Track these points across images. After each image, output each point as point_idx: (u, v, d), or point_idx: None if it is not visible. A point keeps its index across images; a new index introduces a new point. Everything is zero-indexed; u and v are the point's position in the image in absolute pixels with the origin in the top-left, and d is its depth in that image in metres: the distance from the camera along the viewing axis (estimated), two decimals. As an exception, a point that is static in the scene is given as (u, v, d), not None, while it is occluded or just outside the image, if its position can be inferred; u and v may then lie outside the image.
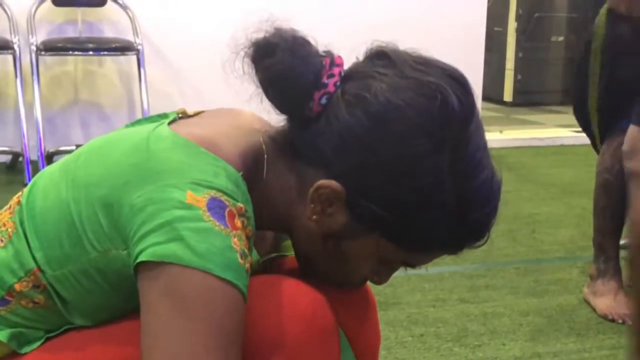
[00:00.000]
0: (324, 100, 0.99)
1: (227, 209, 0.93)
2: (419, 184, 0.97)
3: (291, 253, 1.21)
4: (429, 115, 0.96)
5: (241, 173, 0.99)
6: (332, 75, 0.99)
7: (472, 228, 1.02)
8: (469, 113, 0.99)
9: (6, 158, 4.25)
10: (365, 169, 0.98)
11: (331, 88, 0.99)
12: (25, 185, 1.06)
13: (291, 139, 1.03)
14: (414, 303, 2.49)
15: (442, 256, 1.06)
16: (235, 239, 0.92)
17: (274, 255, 1.22)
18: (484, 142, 1.01)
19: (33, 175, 1.16)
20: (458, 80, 0.99)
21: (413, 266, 1.07)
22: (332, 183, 0.98)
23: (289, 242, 1.21)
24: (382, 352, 2.07)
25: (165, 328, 0.89)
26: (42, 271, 0.99)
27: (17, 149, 4.07)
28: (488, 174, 1.00)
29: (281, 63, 0.98)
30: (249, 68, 1.00)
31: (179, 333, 0.88)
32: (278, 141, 1.04)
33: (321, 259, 1.06)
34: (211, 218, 0.91)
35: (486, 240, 1.04)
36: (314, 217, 1.01)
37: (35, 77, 3.93)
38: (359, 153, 0.98)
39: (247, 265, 0.94)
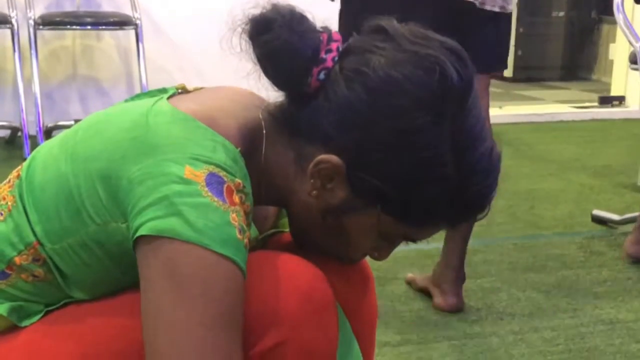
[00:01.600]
0: (322, 76, 0.99)
1: (226, 185, 0.93)
2: (418, 156, 0.97)
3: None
4: (427, 88, 0.96)
5: (239, 149, 0.99)
6: (330, 51, 0.99)
7: (472, 200, 1.02)
8: (467, 86, 0.99)
9: (5, 133, 4.25)
10: (364, 143, 0.98)
11: (329, 63, 0.99)
12: (25, 160, 1.06)
13: (289, 115, 1.03)
14: (412, 278, 2.50)
15: (442, 229, 1.06)
16: (234, 215, 0.92)
17: (272, 231, 1.22)
18: (483, 116, 1.02)
19: (32, 150, 1.16)
20: (456, 53, 0.99)
21: (414, 240, 1.07)
22: (332, 158, 0.98)
23: (286, 220, 1.22)
24: (380, 327, 2.08)
25: (163, 304, 0.89)
26: (41, 244, 1.00)
27: (16, 124, 4.07)
28: (487, 146, 1.01)
29: (278, 39, 0.98)
30: (246, 44, 1.00)
31: (177, 309, 0.89)
32: (277, 117, 1.04)
33: (320, 235, 1.06)
34: (209, 193, 0.91)
35: (487, 213, 1.04)
36: (314, 192, 1.01)
37: (33, 51, 3.92)
38: (358, 127, 0.98)
39: (246, 240, 0.94)
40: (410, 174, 0.98)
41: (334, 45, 1.00)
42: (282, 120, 1.03)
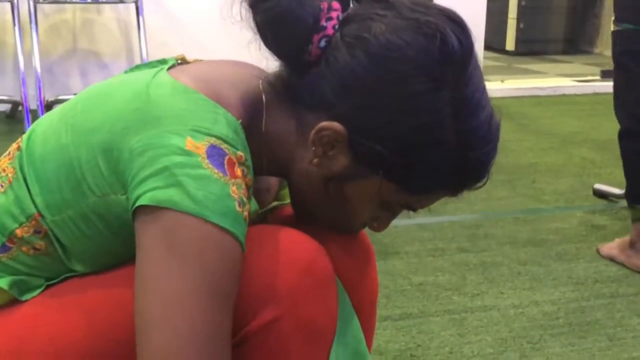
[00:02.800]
0: (322, 44, 0.99)
1: (227, 157, 0.93)
2: (419, 122, 0.97)
3: (289, 200, 1.21)
4: (428, 54, 0.96)
5: (240, 120, 0.98)
6: (330, 19, 0.99)
7: (472, 168, 1.02)
8: (467, 53, 0.99)
9: (6, 107, 4.24)
10: (366, 109, 0.98)
11: (330, 31, 0.98)
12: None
13: (290, 84, 1.02)
14: (413, 252, 2.51)
15: (442, 198, 1.06)
16: (234, 187, 0.92)
17: (272, 205, 1.22)
18: (483, 84, 1.02)
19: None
20: (456, 22, 0.99)
21: (414, 209, 1.08)
22: (334, 124, 0.98)
23: (286, 192, 1.21)
24: (381, 301, 2.09)
25: (158, 272, 0.89)
26: (42, 216, 1.00)
27: (17, 98, 4.06)
28: (487, 114, 1.01)
29: (279, 6, 0.97)
30: (246, 13, 0.99)
31: (172, 278, 0.88)
32: (277, 87, 1.03)
33: (321, 204, 1.06)
34: (210, 165, 0.91)
35: (486, 181, 1.05)
36: (315, 160, 1.01)
37: (33, 25, 3.90)
38: (359, 93, 0.98)
39: (246, 213, 0.94)
40: (411, 139, 0.98)
41: (334, 14, 0.99)
42: (282, 89, 1.03)
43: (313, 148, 1.00)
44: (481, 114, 1.00)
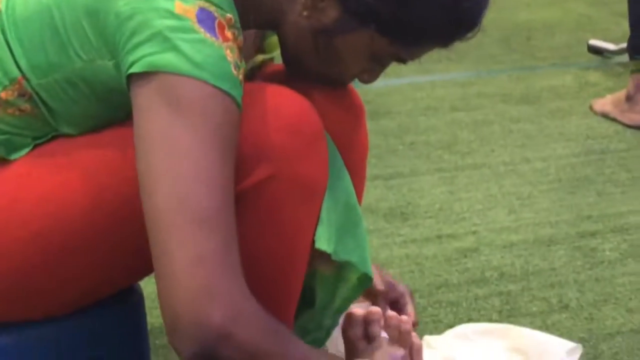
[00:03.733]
0: None
1: (217, 21, 0.92)
2: None
3: (277, 51, 1.20)
4: None
5: None
6: None
7: (463, 16, 1.01)
8: None
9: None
10: None
11: None
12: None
13: None
14: (405, 112, 2.51)
15: (433, 49, 1.06)
16: (228, 51, 0.92)
17: (261, 58, 1.21)
18: None
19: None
20: None
21: (405, 61, 1.07)
22: None
23: (273, 40, 1.20)
24: (372, 160, 2.10)
25: (161, 127, 0.89)
26: (26, 79, 0.99)
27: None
28: None
29: None
30: None
31: (176, 130, 0.88)
32: None
33: (311, 57, 1.05)
34: (202, 29, 0.90)
35: (477, 32, 1.04)
36: (305, 12, 1.00)
37: None
38: None
39: (241, 77, 0.93)
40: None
41: None
42: None
43: (303, 0, 0.99)
44: None
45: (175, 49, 0.89)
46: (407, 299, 1.26)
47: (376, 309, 1.10)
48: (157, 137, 0.89)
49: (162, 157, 0.89)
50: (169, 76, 0.89)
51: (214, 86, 0.89)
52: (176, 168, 0.88)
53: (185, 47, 0.89)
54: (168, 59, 0.89)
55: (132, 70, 0.91)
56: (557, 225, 1.88)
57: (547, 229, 1.86)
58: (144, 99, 0.90)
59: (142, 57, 0.90)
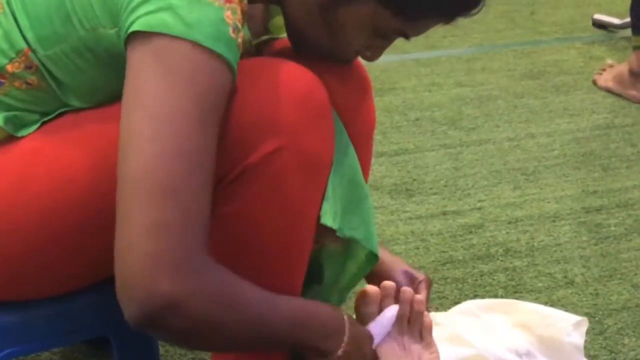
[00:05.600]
0: None
1: None
2: None
3: (282, 34, 1.19)
4: None
5: None
6: None
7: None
8: None
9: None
10: None
11: None
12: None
13: None
14: (410, 88, 2.50)
15: (437, 24, 1.06)
16: (229, 12, 0.91)
17: (266, 37, 1.20)
18: None
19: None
20: None
21: (408, 36, 1.07)
22: None
23: (278, 21, 1.19)
24: (377, 137, 2.10)
25: (147, 91, 0.88)
26: (33, 51, 0.98)
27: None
28: None
29: None
30: None
31: (161, 97, 0.88)
32: None
33: (316, 31, 1.05)
34: None
35: (481, 7, 1.04)
36: None
37: None
38: None
39: (239, 40, 0.92)
40: None
41: None
42: None
43: None
44: None
45: (169, 8, 0.88)
46: (424, 285, 1.26)
47: (390, 284, 1.10)
48: (141, 95, 0.89)
49: (141, 118, 0.88)
50: (161, 37, 0.88)
51: (206, 47, 0.89)
52: (152, 131, 0.87)
53: (181, 6, 0.88)
54: (161, 18, 0.88)
55: (128, 31, 0.90)
56: (562, 200, 1.88)
57: (552, 204, 1.86)
58: (135, 59, 0.90)
59: (138, 18, 0.89)
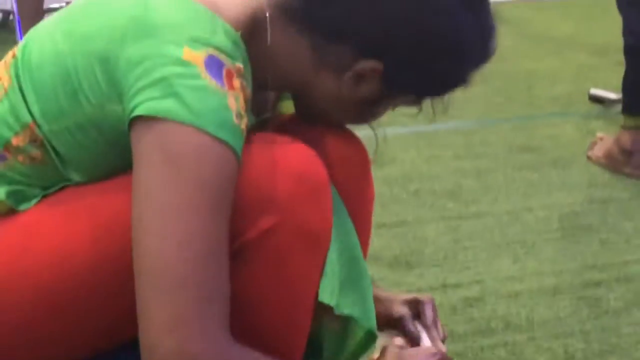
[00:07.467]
0: None
1: (225, 68, 0.93)
2: (452, 40, 1.01)
3: (288, 112, 1.21)
4: None
5: (240, 32, 0.98)
6: None
7: (485, 60, 1.07)
8: None
9: (-4, 16, 4.17)
10: (404, 40, 1.00)
11: None
12: (18, 43, 1.05)
13: (304, 9, 1.01)
14: (409, 160, 2.52)
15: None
16: (232, 99, 0.92)
17: (267, 116, 1.22)
18: None
19: (24, 34, 1.14)
20: None
21: (420, 106, 1.13)
22: (372, 63, 1.01)
23: (286, 105, 1.21)
24: (376, 209, 2.09)
25: (154, 181, 0.90)
26: (38, 125, 0.99)
27: (7, 7, 3.99)
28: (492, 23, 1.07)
29: None
30: None
31: (168, 188, 0.89)
32: (285, 8, 1.02)
33: (344, 115, 1.10)
34: (208, 76, 0.91)
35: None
36: (345, 88, 1.03)
37: None
38: (396, 27, 0.99)
39: (243, 126, 0.94)
40: (444, 62, 1.02)
41: None
42: (292, 12, 1.02)
43: (347, 82, 1.02)
44: (489, 20, 1.06)
45: (176, 95, 0.90)
46: (429, 306, 1.25)
47: (400, 341, 1.12)
48: (149, 189, 0.90)
49: (152, 213, 0.90)
50: (166, 123, 0.90)
51: (212, 135, 0.90)
52: (163, 227, 0.89)
53: (186, 93, 0.90)
54: (167, 105, 0.90)
55: (133, 114, 0.91)
56: (561, 274, 1.88)
57: (551, 278, 1.86)
58: (141, 146, 0.91)
59: (143, 102, 0.91)
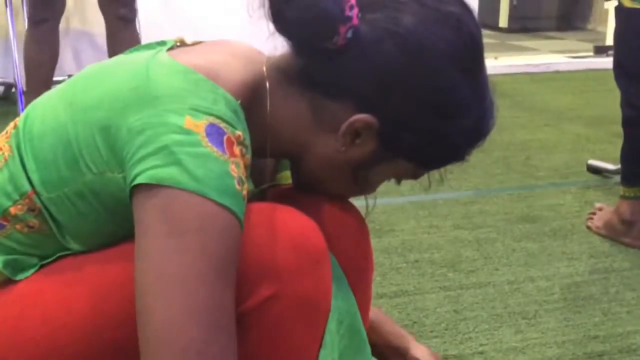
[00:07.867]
0: (349, 34, 0.99)
1: (226, 136, 0.93)
2: (451, 112, 1.03)
3: (287, 182, 1.22)
4: (456, 47, 1.01)
5: (239, 101, 0.99)
6: (352, 7, 0.98)
7: (482, 138, 1.09)
8: (481, 40, 1.05)
9: (-1, 89, 4.22)
10: (399, 102, 1.01)
11: (355, 21, 0.99)
12: (19, 115, 1.06)
13: (304, 70, 1.02)
14: (408, 230, 2.52)
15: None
16: (233, 166, 0.93)
17: (267, 185, 1.23)
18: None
19: (26, 106, 1.15)
20: (468, 8, 1.05)
21: (419, 178, 1.13)
22: (366, 117, 1.01)
23: (285, 175, 1.22)
24: (377, 279, 2.10)
25: (158, 250, 0.89)
26: (37, 194, 1.00)
27: (10, 80, 4.04)
28: (490, 93, 1.09)
29: None
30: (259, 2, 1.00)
31: (171, 257, 0.88)
32: (286, 71, 1.03)
33: (339, 183, 1.10)
34: (209, 144, 0.91)
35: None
36: (343, 148, 1.04)
37: (25, 6, 3.88)
38: (392, 86, 1.01)
39: (244, 192, 0.94)
40: (441, 128, 1.03)
41: (352, 0, 0.99)
42: (292, 74, 1.03)
43: (342, 138, 1.03)
44: (489, 93, 1.07)
45: (178, 162, 0.90)
46: None
47: None
48: (153, 258, 0.89)
49: (156, 281, 0.89)
50: (169, 190, 0.90)
51: (214, 201, 0.90)
52: (168, 296, 0.88)
53: (188, 161, 0.90)
54: (170, 172, 0.90)
55: (134, 183, 0.92)
56: (564, 345, 1.86)
57: (554, 349, 1.84)
58: (143, 213, 0.91)
59: (145, 170, 0.91)
